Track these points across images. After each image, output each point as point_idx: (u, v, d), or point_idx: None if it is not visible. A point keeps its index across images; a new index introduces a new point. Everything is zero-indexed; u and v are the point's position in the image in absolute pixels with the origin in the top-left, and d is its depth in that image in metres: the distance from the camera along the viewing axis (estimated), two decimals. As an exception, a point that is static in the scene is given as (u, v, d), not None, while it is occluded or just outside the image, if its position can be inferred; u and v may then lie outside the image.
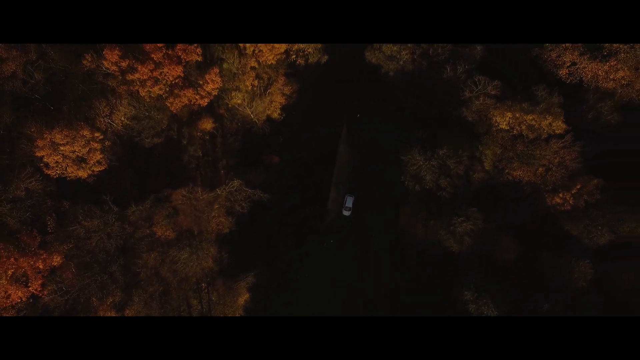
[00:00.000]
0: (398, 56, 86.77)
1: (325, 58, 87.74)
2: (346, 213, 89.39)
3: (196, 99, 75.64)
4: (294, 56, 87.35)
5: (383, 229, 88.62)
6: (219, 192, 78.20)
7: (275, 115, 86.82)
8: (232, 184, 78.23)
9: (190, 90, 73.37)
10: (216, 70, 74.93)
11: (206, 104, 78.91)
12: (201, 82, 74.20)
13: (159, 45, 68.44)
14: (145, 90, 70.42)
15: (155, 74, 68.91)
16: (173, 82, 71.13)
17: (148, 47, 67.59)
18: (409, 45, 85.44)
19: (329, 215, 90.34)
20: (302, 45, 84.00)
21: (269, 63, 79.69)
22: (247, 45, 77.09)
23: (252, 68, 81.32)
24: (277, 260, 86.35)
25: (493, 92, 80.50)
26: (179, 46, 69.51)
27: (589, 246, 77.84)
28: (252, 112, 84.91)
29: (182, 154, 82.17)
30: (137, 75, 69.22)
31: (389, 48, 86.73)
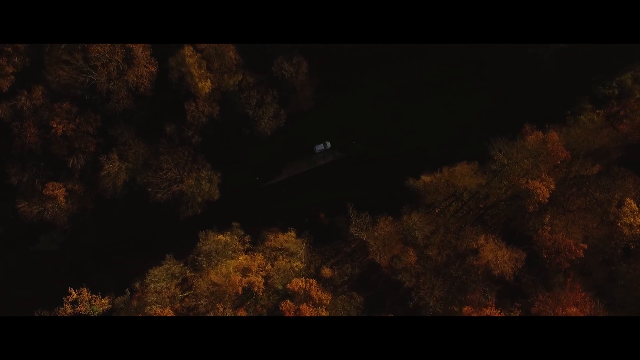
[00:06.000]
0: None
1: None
2: (328, 145, 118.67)
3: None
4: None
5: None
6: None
7: (294, 234, 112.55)
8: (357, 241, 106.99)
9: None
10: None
11: (307, 285, 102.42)
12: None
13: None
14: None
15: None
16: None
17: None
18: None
19: (336, 155, 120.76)
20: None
21: (264, 252, 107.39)
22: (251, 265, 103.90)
23: (267, 262, 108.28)
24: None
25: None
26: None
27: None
28: (301, 250, 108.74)
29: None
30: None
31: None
